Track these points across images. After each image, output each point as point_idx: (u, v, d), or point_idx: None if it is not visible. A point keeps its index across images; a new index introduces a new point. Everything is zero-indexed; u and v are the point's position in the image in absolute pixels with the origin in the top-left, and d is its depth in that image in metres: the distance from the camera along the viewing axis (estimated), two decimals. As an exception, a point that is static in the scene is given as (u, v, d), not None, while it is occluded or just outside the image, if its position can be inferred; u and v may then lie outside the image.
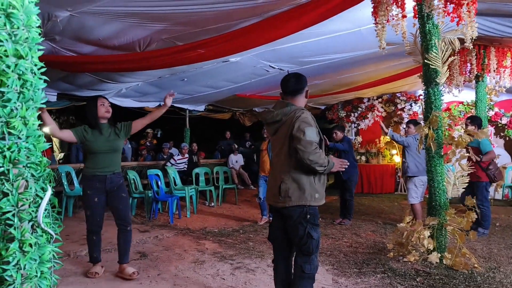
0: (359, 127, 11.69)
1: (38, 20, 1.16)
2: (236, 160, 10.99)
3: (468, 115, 5.76)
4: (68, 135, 3.56)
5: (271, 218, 3.08)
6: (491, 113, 9.57)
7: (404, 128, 11.01)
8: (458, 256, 3.89)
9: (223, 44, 4.84)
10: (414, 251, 4.06)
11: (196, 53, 4.93)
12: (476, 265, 3.87)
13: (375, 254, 4.45)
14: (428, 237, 3.99)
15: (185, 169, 8.89)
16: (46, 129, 2.98)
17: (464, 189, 4.70)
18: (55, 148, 12.98)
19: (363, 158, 10.93)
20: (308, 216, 2.54)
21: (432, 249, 3.99)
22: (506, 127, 9.69)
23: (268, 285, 3.50)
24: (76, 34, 4.48)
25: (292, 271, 2.70)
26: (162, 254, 4.47)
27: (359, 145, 11.20)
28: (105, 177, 3.65)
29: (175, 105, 9.68)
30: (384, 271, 3.82)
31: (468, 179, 4.56)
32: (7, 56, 1.14)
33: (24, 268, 1.16)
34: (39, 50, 1.20)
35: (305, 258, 2.56)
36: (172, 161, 8.83)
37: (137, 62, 5.31)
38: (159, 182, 6.77)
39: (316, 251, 2.58)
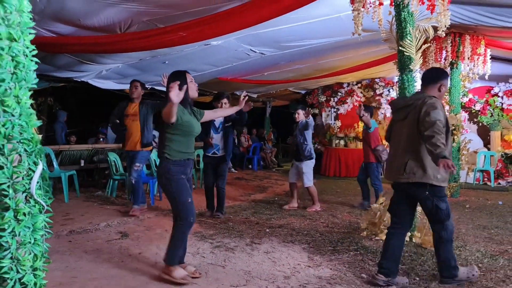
0: (338, 112, 11.89)
1: (29, 5, 1.24)
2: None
3: (363, 104, 6.32)
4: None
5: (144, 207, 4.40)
6: (465, 99, 9.87)
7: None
8: (426, 235, 4.10)
9: (204, 27, 4.87)
10: (385, 230, 4.25)
11: (178, 36, 4.95)
12: (443, 243, 4.10)
13: (350, 233, 4.65)
14: (399, 217, 4.18)
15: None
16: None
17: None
18: (33, 129, 12.80)
19: (342, 142, 11.17)
20: (433, 192, 2.96)
21: (402, 228, 4.19)
22: (479, 113, 10.03)
23: (246, 262, 3.65)
24: (56, 14, 4.45)
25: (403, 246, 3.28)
26: (143, 234, 4.57)
27: (338, 130, 11.42)
28: (192, 162, 3.32)
29: (156, 87, 9.64)
30: (357, 249, 4.02)
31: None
32: (1, 39, 1.22)
33: (19, 235, 1.27)
34: (30, 33, 1.28)
35: (440, 226, 3.04)
36: (153, 143, 8.84)
37: (117, 44, 5.29)
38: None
39: (447, 219, 3.02)
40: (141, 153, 5.47)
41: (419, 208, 4.24)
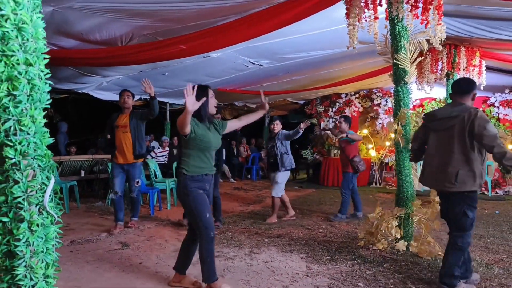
0: (336, 122, 11.98)
1: (44, 32, 1.35)
2: (217, 153, 11.15)
3: (341, 115, 6.63)
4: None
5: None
6: (462, 109, 9.97)
7: (333, 123, 11.47)
8: (423, 244, 4.17)
9: (204, 40, 4.99)
10: (383, 239, 4.33)
11: (178, 49, 5.06)
12: (440, 253, 4.14)
13: (347, 243, 4.70)
14: (396, 226, 4.26)
15: (166, 162, 9.00)
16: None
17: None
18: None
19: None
20: (469, 199, 3.11)
21: (399, 237, 4.26)
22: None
23: (245, 271, 3.70)
24: (59, 28, 4.56)
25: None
26: (143, 244, 4.62)
27: (336, 140, 11.49)
28: (211, 177, 3.28)
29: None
30: (354, 258, 4.07)
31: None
32: (18, 64, 1.34)
33: (33, 245, 1.37)
34: (45, 58, 1.39)
35: (459, 233, 3.14)
36: (152, 154, 8.94)
37: (119, 57, 5.40)
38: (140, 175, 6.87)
39: (470, 229, 3.13)
40: (136, 166, 5.30)
41: (415, 218, 4.33)
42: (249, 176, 12.26)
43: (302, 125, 5.75)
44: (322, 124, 12.34)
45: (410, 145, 3.77)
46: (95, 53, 5.14)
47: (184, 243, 3.39)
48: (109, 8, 4.22)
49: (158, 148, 9.15)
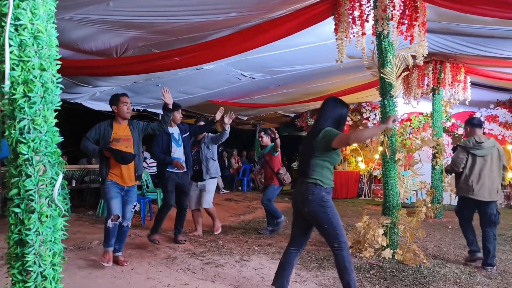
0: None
1: (56, 40, 1.49)
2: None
3: (261, 129, 6.46)
4: None
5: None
6: (449, 124, 10.23)
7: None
8: (408, 252, 4.30)
9: (197, 53, 5.13)
10: (369, 247, 4.44)
11: (172, 61, 5.20)
12: (424, 261, 4.28)
13: (336, 251, 4.80)
14: (382, 234, 4.39)
15: (157, 172, 9.04)
16: None
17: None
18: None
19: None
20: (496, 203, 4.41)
21: (385, 245, 4.39)
22: (462, 137, 10.36)
23: (235, 278, 3.78)
24: (55, 39, 4.65)
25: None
26: (135, 251, 4.68)
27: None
28: None
29: (148, 109, 9.86)
30: (342, 266, 4.17)
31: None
32: (34, 69, 1.50)
33: (42, 234, 1.52)
34: (57, 64, 1.53)
35: (493, 226, 4.30)
36: (144, 164, 8.99)
37: (113, 68, 5.52)
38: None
39: (498, 223, 4.34)
40: (135, 188, 4.33)
41: (401, 227, 4.46)
42: (240, 188, 12.35)
43: (226, 119, 5.32)
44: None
45: None
46: (91, 63, 5.25)
47: (288, 256, 3.22)
48: (104, 20, 4.35)
49: (150, 159, 9.22)
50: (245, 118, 12.72)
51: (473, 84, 7.96)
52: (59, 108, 1.57)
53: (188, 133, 5.25)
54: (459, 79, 7.46)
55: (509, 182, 9.45)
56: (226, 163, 12.62)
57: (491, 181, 4.28)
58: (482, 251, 4.38)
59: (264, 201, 6.03)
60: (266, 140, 6.22)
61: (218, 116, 5.32)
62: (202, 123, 5.71)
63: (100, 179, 4.15)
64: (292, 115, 13.28)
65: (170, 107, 4.39)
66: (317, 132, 3.05)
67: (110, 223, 3.92)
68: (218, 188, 11.27)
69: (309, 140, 3.14)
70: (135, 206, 4.29)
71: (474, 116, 5.21)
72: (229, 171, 12.46)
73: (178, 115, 5.16)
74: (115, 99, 4.18)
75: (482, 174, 4.30)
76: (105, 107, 8.82)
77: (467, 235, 4.55)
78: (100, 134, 4.09)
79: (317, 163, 3.02)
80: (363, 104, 11.54)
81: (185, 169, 5.08)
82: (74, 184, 7.67)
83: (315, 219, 3.05)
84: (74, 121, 13.62)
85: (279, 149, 6.05)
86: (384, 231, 4.40)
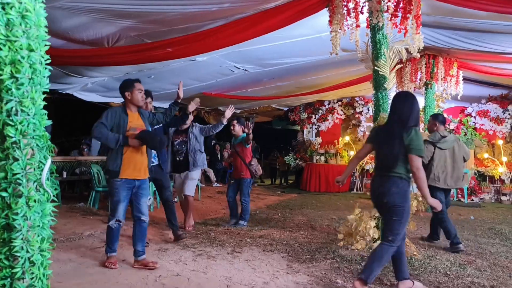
0: (319, 129, 12.20)
1: (45, 21, 1.45)
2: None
3: (236, 117, 6.35)
4: None
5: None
6: (440, 118, 10.27)
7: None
8: (399, 245, 4.30)
9: (190, 44, 5.08)
10: (361, 240, 4.45)
11: (164, 52, 5.15)
12: (415, 253, 4.30)
13: (327, 243, 4.82)
14: (374, 227, 4.38)
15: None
16: None
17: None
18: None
19: (322, 158, 11.43)
20: None
21: (377, 238, 4.39)
22: (453, 132, 10.44)
23: (227, 269, 3.77)
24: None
25: None
26: (126, 243, 4.65)
27: (319, 146, 11.70)
28: None
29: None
30: (333, 257, 4.19)
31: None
32: (21, 49, 1.45)
33: (30, 219, 1.47)
34: (46, 45, 1.49)
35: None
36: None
37: (105, 58, 5.45)
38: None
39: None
40: (147, 181, 4.07)
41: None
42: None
43: (227, 113, 5.41)
44: (305, 131, 12.52)
45: None
46: (82, 53, 5.17)
47: (394, 254, 3.25)
48: (96, 8, 4.27)
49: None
50: (238, 111, 12.68)
51: (466, 79, 8.00)
52: (47, 90, 1.53)
53: (159, 124, 4.55)
54: (452, 73, 7.48)
55: (499, 176, 9.56)
56: (219, 156, 12.59)
57: (455, 170, 4.80)
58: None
59: (243, 200, 5.97)
60: (238, 129, 5.97)
61: (191, 108, 4.67)
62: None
63: (110, 173, 3.75)
64: (286, 108, 13.28)
65: (179, 100, 4.40)
66: (406, 128, 3.10)
67: (114, 224, 3.77)
68: (210, 181, 11.28)
69: (393, 133, 3.15)
70: (150, 198, 3.90)
71: (439, 113, 5.63)
72: (222, 164, 12.43)
73: (150, 105, 4.82)
74: (129, 85, 3.81)
75: (447, 165, 4.81)
76: (97, 98, 8.75)
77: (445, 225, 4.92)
78: (114, 121, 3.70)
79: (403, 158, 3.10)
80: (356, 98, 11.56)
81: (153, 160, 4.70)
82: (65, 176, 7.60)
83: (390, 208, 3.13)
84: (64, 112, 13.53)
85: (251, 142, 5.94)
86: (375, 223, 4.40)
